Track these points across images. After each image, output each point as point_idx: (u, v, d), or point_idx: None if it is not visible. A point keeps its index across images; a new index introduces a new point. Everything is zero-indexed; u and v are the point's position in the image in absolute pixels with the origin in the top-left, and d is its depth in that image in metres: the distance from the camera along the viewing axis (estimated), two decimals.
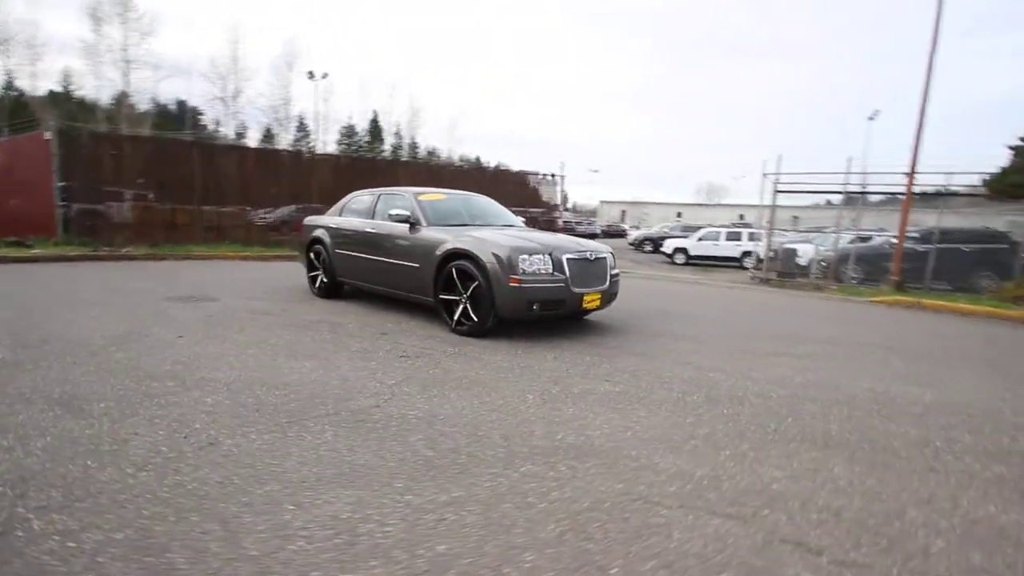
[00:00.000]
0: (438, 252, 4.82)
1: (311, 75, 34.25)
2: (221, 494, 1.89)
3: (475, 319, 4.51)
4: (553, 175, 15.72)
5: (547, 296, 4.43)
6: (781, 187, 12.83)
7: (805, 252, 14.25)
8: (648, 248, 23.87)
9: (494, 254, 4.42)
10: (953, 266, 11.88)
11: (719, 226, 19.90)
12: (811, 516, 1.90)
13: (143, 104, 36.93)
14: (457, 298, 4.68)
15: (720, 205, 62.74)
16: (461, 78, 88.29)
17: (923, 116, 10.71)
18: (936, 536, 1.82)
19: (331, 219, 6.50)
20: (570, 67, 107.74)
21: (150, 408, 2.68)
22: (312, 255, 6.63)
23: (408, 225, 5.26)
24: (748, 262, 18.22)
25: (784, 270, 13.32)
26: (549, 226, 15.45)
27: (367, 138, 59.72)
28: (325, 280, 6.41)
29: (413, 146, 56.36)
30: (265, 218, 14.15)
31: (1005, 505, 2.06)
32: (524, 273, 4.33)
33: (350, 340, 4.33)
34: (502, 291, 4.34)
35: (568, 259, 4.56)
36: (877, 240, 14.34)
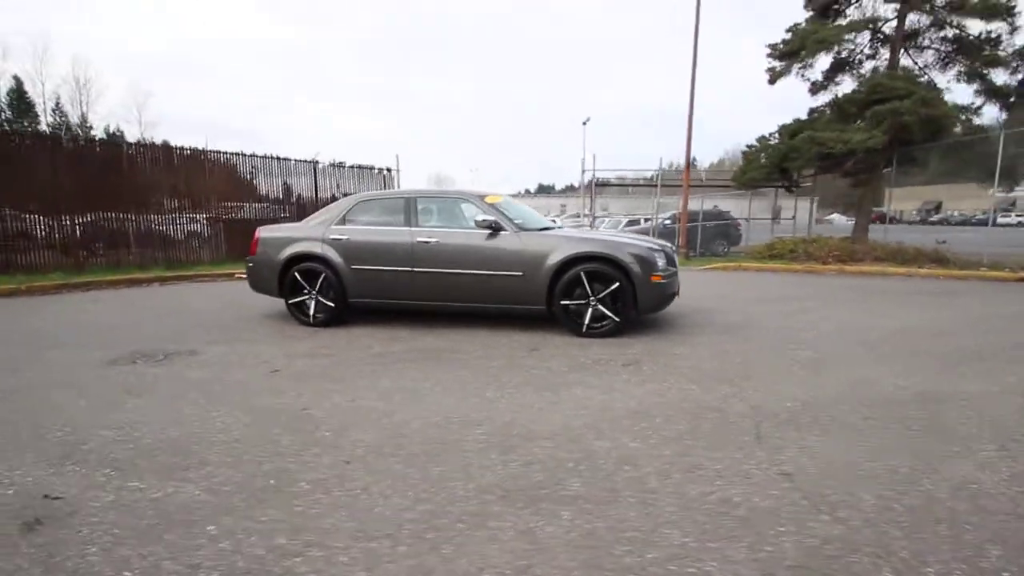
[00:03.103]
0: (554, 258, 4.63)
1: None
2: None
3: (616, 319, 4.58)
4: (389, 169, 14.86)
5: (673, 289, 4.83)
6: (599, 179, 15.40)
7: None
8: None
9: (632, 255, 4.57)
10: (705, 238, 16.45)
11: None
12: None
13: None
14: (584, 302, 4.65)
15: None
16: (150, 52, 70.68)
17: (691, 127, 14.25)
18: None
19: (333, 230, 5.23)
20: (284, 58, 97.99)
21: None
22: (298, 276, 5.24)
23: (489, 231, 4.83)
24: None
25: None
26: None
27: (7, 113, 43.18)
28: (330, 305, 5.19)
29: (85, 125, 43.27)
30: None
31: None
32: (661, 270, 4.64)
33: (530, 361, 3.89)
34: (644, 289, 4.55)
35: (672, 253, 5.04)
36: (654, 222, 18.44)
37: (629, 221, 19.41)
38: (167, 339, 4.73)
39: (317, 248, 5.20)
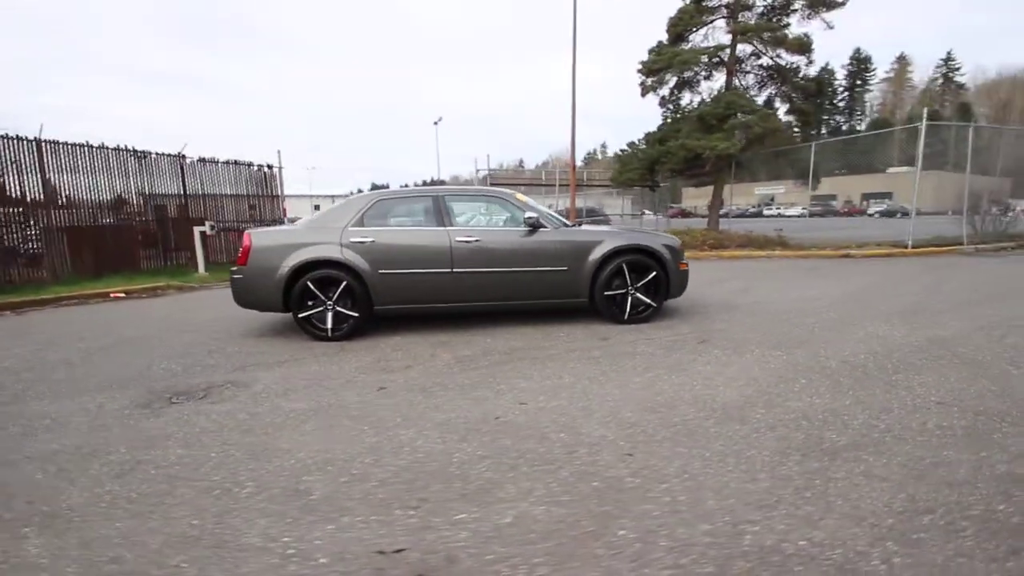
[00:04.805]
0: (598, 252, 4.89)
1: None
2: None
3: (654, 305, 5.02)
4: (270, 166, 13.11)
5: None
6: (493, 180, 15.77)
7: None
8: None
9: (665, 246, 5.05)
10: None
11: None
12: None
13: None
14: (622, 292, 4.99)
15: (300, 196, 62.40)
16: None
17: (574, 128, 15.48)
18: None
19: (352, 232, 4.73)
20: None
21: None
22: (310, 285, 4.65)
23: (529, 229, 4.89)
24: None
25: None
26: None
27: None
28: (353, 315, 4.71)
29: None
30: None
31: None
32: (684, 259, 5.20)
33: (620, 348, 4.10)
34: (675, 276, 5.07)
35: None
36: None
37: None
38: (167, 374, 3.84)
39: (335, 253, 4.66)
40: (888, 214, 39.44)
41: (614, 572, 1.59)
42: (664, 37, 15.75)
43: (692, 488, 2.04)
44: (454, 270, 4.78)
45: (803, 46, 13.63)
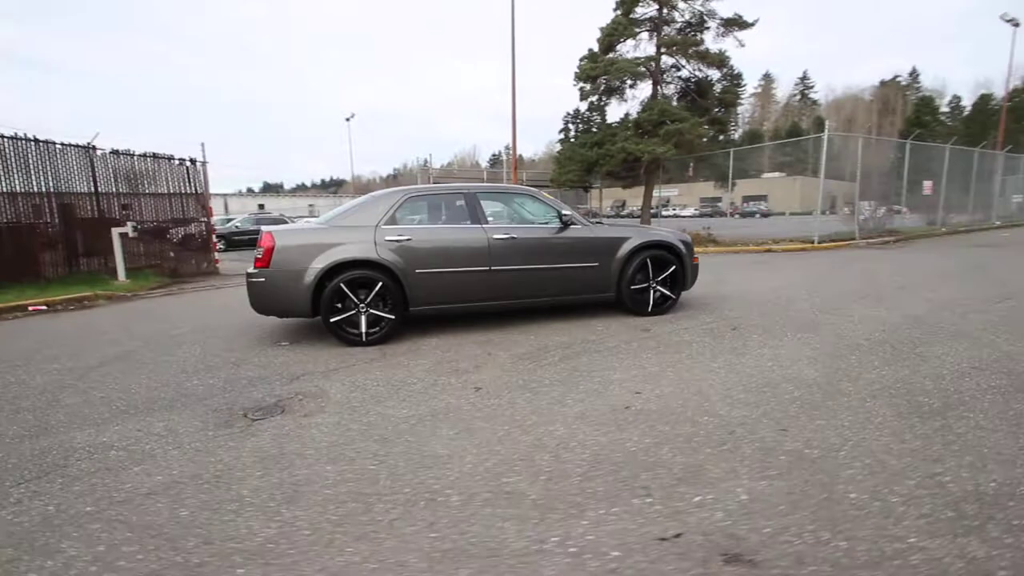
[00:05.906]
0: (627, 247, 5.09)
1: None
2: None
3: (673, 297, 5.32)
4: (193, 160, 11.68)
5: None
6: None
7: None
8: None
9: (681, 241, 5.37)
10: None
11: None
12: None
13: None
14: (645, 286, 5.24)
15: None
16: None
17: (514, 137, 15.72)
18: None
19: (386, 231, 4.49)
20: None
21: None
22: (344, 287, 4.37)
23: (561, 225, 4.96)
24: None
25: None
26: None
27: None
28: (389, 317, 4.49)
29: None
30: None
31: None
32: (695, 253, 5.56)
33: (672, 339, 4.31)
34: (689, 270, 5.42)
35: None
36: None
37: None
38: (209, 390, 3.42)
39: (370, 253, 4.40)
40: (748, 214, 44.06)
41: (882, 527, 1.75)
42: (592, 47, 16.54)
43: (866, 452, 2.27)
44: (492, 267, 4.72)
45: (722, 61, 15.05)
